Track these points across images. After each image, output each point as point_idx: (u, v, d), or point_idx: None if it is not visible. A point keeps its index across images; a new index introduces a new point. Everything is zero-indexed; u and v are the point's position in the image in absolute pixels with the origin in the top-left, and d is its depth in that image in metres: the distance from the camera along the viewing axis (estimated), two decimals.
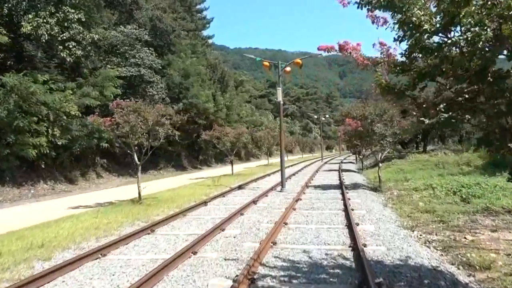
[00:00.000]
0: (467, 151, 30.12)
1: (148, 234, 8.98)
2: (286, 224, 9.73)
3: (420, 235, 9.19)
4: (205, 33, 59.65)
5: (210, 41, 56.87)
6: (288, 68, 17.38)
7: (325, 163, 45.86)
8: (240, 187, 18.97)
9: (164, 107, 14.54)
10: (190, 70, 35.86)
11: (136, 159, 14.10)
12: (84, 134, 22.03)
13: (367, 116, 16.23)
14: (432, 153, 34.62)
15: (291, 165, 39.94)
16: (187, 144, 41.59)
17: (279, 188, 17.74)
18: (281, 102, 17.75)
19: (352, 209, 11.73)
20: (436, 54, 4.16)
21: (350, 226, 9.11)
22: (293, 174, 26.70)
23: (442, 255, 7.62)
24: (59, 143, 20.28)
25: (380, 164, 17.77)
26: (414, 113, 4.43)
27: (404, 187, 18.23)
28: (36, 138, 18.80)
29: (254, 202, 13.52)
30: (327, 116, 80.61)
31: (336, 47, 5.13)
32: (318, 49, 5.42)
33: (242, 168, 39.08)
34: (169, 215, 11.16)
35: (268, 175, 26.78)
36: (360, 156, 30.90)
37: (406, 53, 4.46)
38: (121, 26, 28.11)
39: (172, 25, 34.94)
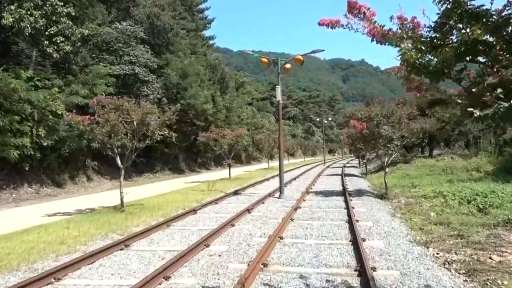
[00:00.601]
0: (475, 156, 28.79)
1: (121, 250, 7.73)
2: (281, 238, 8.46)
3: (437, 253, 7.90)
4: (206, 33, 58.72)
5: (211, 42, 55.82)
6: (288, 65, 16.14)
7: (328, 167, 44.57)
8: (235, 193, 17.71)
9: (151, 105, 13.07)
10: (188, 70, 34.66)
11: (119, 162, 12.85)
12: (74, 135, 20.81)
13: (373, 118, 14.96)
14: (438, 157, 33.28)
15: (292, 169, 38.68)
16: (185, 147, 40.40)
17: (277, 194, 16.48)
18: (280, 102, 16.52)
19: (357, 220, 10.47)
20: (484, 20, 2.91)
21: (355, 241, 7.84)
22: (294, 179, 25.42)
23: (466, 281, 6.34)
24: (45, 144, 19.09)
25: (387, 169, 16.47)
26: (459, 101, 3.09)
27: (412, 194, 16.95)
28: (18, 138, 17.60)
29: (249, 210, 12.26)
30: (329, 119, 79.32)
31: (342, 20, 3.85)
32: (320, 24, 4.14)
33: (242, 171, 37.84)
34: (150, 225, 9.91)
35: (267, 179, 25.51)
36: (363, 160, 29.64)
37: (437, 24, 3.21)
38: (116, 22, 26.96)
39: (170, 23, 33.78)
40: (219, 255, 7.18)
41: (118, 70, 24.96)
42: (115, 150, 12.57)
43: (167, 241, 8.52)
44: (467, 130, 37.88)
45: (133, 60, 25.60)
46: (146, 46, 27.74)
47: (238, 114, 51.43)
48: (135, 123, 12.65)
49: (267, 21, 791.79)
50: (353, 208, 12.59)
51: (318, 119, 74.89)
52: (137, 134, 12.91)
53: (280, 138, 16.83)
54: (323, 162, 52.92)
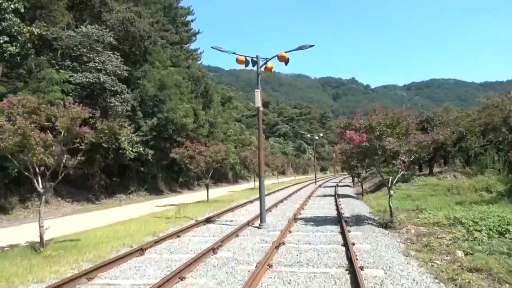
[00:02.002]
0: (481, 174, 26.00)
1: None
2: None
3: None
4: (192, 47, 56.08)
5: (197, 55, 52.93)
6: (270, 64, 13.24)
7: (319, 186, 41.51)
8: (208, 221, 14.53)
9: (81, 109, 9.96)
10: (166, 81, 31.70)
11: (38, 185, 9.62)
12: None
13: (374, 127, 12.07)
14: (440, 175, 30.47)
15: (281, 189, 35.54)
16: (165, 165, 37.14)
17: (258, 222, 13.32)
18: (260, 108, 13.55)
19: (362, 267, 7.39)
20: None
21: None
22: (281, 201, 22.30)
23: None
24: None
25: (392, 192, 13.46)
26: None
27: (421, 221, 13.98)
28: None
29: (214, 249, 9.10)
30: (321, 135, 76.63)
31: None
32: None
33: (226, 192, 34.64)
34: (62, 279, 6.72)
35: (251, 201, 22.35)
36: (359, 179, 26.67)
37: None
38: (81, 26, 24.02)
39: (146, 30, 30.96)
40: None
41: (80, 78, 21.90)
42: (31, 169, 9.31)
43: None
44: (468, 146, 35.19)
45: (99, 67, 22.58)
46: (116, 53, 24.77)
47: (224, 130, 48.42)
48: (63, 133, 9.46)
49: (257, 38, 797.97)
50: (354, 244, 9.52)
51: (309, 135, 72.05)
52: (64, 148, 9.68)
53: (260, 153, 13.77)
54: (314, 181, 49.85)
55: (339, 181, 53.93)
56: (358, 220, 14.13)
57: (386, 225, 12.88)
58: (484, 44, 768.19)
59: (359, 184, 40.25)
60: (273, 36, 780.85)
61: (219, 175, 51.96)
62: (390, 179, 13.47)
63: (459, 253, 9.09)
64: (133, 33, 29.66)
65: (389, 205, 13.23)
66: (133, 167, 31.31)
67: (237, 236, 11.20)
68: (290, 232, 11.71)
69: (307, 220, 14.21)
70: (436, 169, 38.02)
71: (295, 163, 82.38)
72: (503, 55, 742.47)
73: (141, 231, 12.03)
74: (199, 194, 30.79)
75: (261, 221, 12.90)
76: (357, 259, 8.03)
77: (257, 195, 26.97)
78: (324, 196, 26.63)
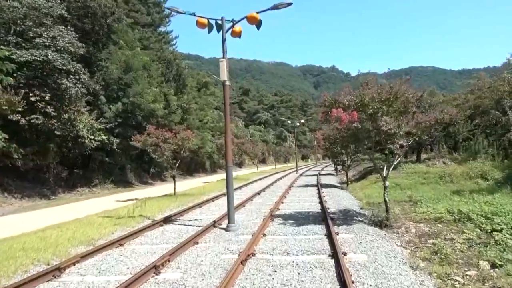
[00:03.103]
0: (473, 159, 24.20)
1: None
2: None
3: None
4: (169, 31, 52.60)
5: (169, 36, 49.45)
6: (238, 27, 10.68)
7: (301, 175, 39.32)
8: (167, 221, 12.04)
9: None
10: (132, 62, 28.76)
11: None
12: None
13: (367, 104, 9.74)
14: (428, 162, 28.63)
15: (260, 179, 33.21)
16: (135, 155, 34.31)
17: (226, 222, 10.90)
18: (227, 83, 11.02)
19: None
20: None
21: None
22: (258, 193, 19.95)
23: None
24: None
25: (387, 183, 11.19)
26: None
27: (420, 216, 11.90)
28: None
29: (158, 268, 6.65)
30: (302, 121, 74.49)
31: None
32: None
33: (201, 183, 32.10)
34: None
35: (225, 194, 19.88)
36: (344, 167, 24.50)
37: None
38: None
39: (109, 5, 27.87)
40: None
41: (25, 56, 18.89)
42: None
43: None
44: (455, 130, 33.40)
45: (47, 43, 19.58)
46: (69, 28, 21.71)
47: (199, 117, 45.63)
48: None
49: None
50: (345, 254, 7.23)
51: (289, 122, 69.70)
52: None
53: (227, 136, 11.23)
54: (296, 169, 47.69)
55: (321, 169, 51.98)
56: (347, 217, 11.87)
57: (380, 223, 10.64)
58: (461, 32, 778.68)
59: (343, 172, 38.28)
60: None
61: (196, 164, 49.35)
62: (385, 167, 11.22)
63: (484, 265, 6.90)
64: (93, 8, 26.55)
65: (384, 199, 10.98)
66: (97, 158, 28.44)
67: (196, 243, 8.75)
68: (264, 235, 9.34)
69: (286, 218, 11.87)
70: (423, 156, 36.30)
71: (275, 151, 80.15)
72: (480, 43, 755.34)
73: (76, 238, 9.46)
74: (171, 186, 28.17)
75: (229, 222, 10.47)
76: (352, 281, 5.71)
77: (235, 186, 24.65)
78: (306, 186, 24.39)
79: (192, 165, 47.98)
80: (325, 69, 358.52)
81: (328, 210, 13.07)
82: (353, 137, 10.63)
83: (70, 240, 9.30)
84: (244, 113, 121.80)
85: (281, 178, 33.35)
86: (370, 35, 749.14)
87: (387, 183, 11.03)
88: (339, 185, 25.94)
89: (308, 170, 53.85)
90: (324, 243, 8.39)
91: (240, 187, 24.59)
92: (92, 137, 25.67)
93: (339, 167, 35.53)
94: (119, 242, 8.96)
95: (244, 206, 15.19)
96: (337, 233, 9.17)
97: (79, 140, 24.07)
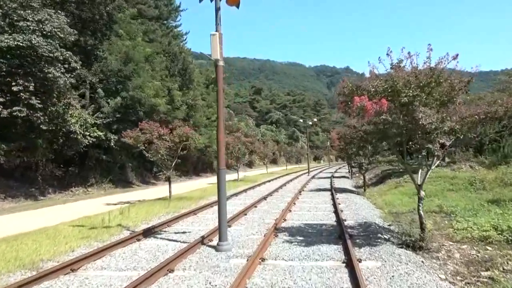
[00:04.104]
0: (505, 163, 21.69)
1: None
2: None
3: None
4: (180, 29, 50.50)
5: (178, 30, 47.31)
6: None
7: (313, 177, 36.92)
8: (148, 233, 9.87)
9: None
10: (133, 53, 26.77)
11: None
12: None
13: (400, 90, 7.45)
14: (453, 166, 26.04)
15: (269, 181, 30.96)
16: (137, 153, 32.22)
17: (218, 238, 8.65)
18: (220, 63, 8.79)
19: None
20: None
21: None
22: (265, 198, 17.73)
23: None
24: None
25: (422, 193, 8.85)
26: None
27: (460, 233, 9.69)
28: None
29: None
30: (315, 120, 71.82)
31: None
32: None
33: (205, 184, 30.01)
34: None
35: (227, 199, 17.73)
36: (361, 170, 22.05)
37: None
38: None
39: None
40: None
41: (7, 41, 16.96)
42: None
43: None
44: (482, 131, 30.59)
45: (33, 28, 17.65)
46: (60, 12, 19.75)
47: (207, 114, 43.53)
48: None
49: (252, 27, 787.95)
50: None
51: (301, 120, 67.12)
52: None
53: (220, 128, 8.91)
54: (307, 171, 45.29)
55: (335, 171, 49.46)
56: (369, 233, 9.55)
57: (413, 245, 8.32)
58: (478, 33, 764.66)
59: (358, 175, 35.78)
60: (266, 24, 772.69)
61: (203, 164, 47.30)
62: (419, 173, 8.90)
63: None
64: None
65: (419, 213, 8.66)
66: (93, 155, 26.52)
67: (171, 271, 6.53)
68: (263, 260, 7.10)
69: (293, 233, 9.61)
70: (445, 159, 33.59)
71: (287, 152, 77.67)
72: (498, 45, 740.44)
73: (21, 259, 7.35)
74: (177, 186, 26.07)
75: (220, 239, 8.24)
76: None
77: (237, 190, 22.42)
78: (318, 190, 22.05)
79: (199, 164, 45.96)
80: (339, 70, 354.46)
81: (345, 223, 10.78)
82: (380, 134, 8.31)
83: (12, 261, 7.19)
84: (256, 113, 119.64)
85: (291, 181, 31.04)
86: (385, 36, 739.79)
87: (422, 193, 8.73)
88: (354, 189, 23.53)
89: (320, 172, 51.37)
90: (343, 277, 6.11)
91: (246, 190, 22.40)
92: (88, 133, 23.76)
93: (354, 170, 33.07)
94: (72, 266, 6.81)
95: (245, 214, 12.98)
96: (360, 260, 6.90)
97: (72, 136, 22.13)
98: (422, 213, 8.54)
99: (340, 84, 8.76)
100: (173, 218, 12.01)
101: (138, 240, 9.18)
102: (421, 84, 7.52)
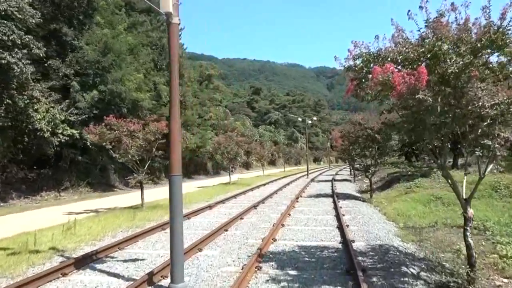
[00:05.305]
0: None
1: None
2: None
3: None
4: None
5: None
6: None
7: (312, 180, 34.19)
8: (82, 262, 7.18)
9: None
10: (113, 43, 24.09)
11: None
12: None
13: (444, 53, 4.82)
14: (469, 169, 23.18)
15: (263, 184, 28.25)
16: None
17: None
18: (174, 21, 6.07)
19: None
20: None
21: None
22: (255, 206, 15.03)
23: None
24: None
25: (469, 212, 6.21)
26: None
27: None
28: None
29: None
30: (314, 118, 69.02)
31: None
32: None
33: (194, 187, 27.30)
34: None
35: (210, 207, 15.08)
36: (367, 173, 19.32)
37: None
38: None
39: None
40: None
41: None
42: None
43: None
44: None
45: None
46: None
47: (200, 113, 40.84)
48: None
49: (252, 29, 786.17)
50: None
51: (300, 119, 64.33)
52: None
53: (174, 114, 6.07)
54: (306, 173, 42.57)
55: (335, 174, 46.74)
56: (389, 265, 6.85)
57: None
58: None
59: (361, 178, 33.04)
60: (266, 25, 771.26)
61: (195, 166, 44.59)
62: (464, 182, 6.28)
63: None
64: None
65: (466, 243, 5.94)
66: (67, 156, 23.82)
67: None
68: None
69: (283, 265, 6.92)
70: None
71: (286, 153, 74.86)
72: None
73: None
74: (157, 192, 23.41)
75: (172, 280, 5.54)
76: None
77: (226, 195, 19.70)
78: (318, 196, 19.34)
79: (191, 166, 43.23)
80: (339, 71, 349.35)
81: (354, 245, 8.12)
82: (414, 122, 5.58)
83: None
84: (254, 113, 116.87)
85: (288, 184, 28.32)
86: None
87: (470, 211, 6.08)
88: (359, 195, 20.83)
89: (320, 174, 48.61)
90: None
91: (235, 196, 19.72)
92: (59, 131, 21.09)
93: (357, 172, 30.37)
94: None
95: (226, 230, 10.27)
96: None
97: (38, 134, 19.47)
98: (471, 241, 5.85)
99: (350, 51, 6.07)
100: (132, 236, 9.32)
101: (64, 274, 6.49)
102: (478, 45, 4.83)
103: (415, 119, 5.37)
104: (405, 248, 8.22)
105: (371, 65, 5.77)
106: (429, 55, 5.01)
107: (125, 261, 7.40)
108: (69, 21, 24.51)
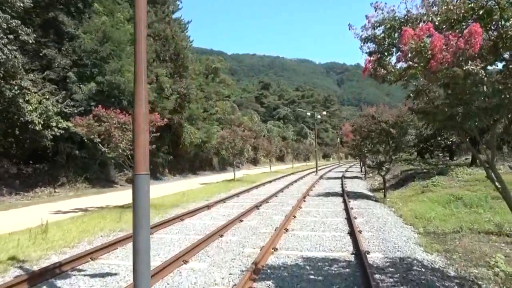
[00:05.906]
0: None
1: None
2: None
3: None
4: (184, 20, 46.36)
5: (177, 17, 43.24)
6: None
7: (321, 177, 32.78)
8: (42, 278, 5.95)
9: None
10: (111, 32, 22.89)
11: None
12: None
13: (503, 10, 3.53)
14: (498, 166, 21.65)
15: (270, 181, 26.95)
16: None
17: None
18: None
19: None
20: None
21: None
22: (257, 207, 13.73)
23: None
24: None
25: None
26: None
27: None
28: None
29: None
30: (324, 113, 67.26)
31: None
32: None
33: (197, 184, 26.12)
34: None
35: (208, 207, 13.82)
36: (381, 171, 17.82)
37: None
38: None
39: None
40: None
41: None
42: None
43: None
44: None
45: None
46: None
47: (205, 107, 39.58)
48: None
49: (262, 24, 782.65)
50: None
51: (309, 114, 62.68)
52: None
53: (139, 90, 4.74)
54: (315, 170, 41.11)
55: (345, 170, 45.22)
56: (415, 286, 5.49)
57: None
58: None
59: (372, 175, 31.61)
60: (276, 21, 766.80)
61: (201, 161, 43.41)
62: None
63: None
64: None
65: None
66: (64, 150, 22.75)
67: None
68: None
69: (282, 285, 5.60)
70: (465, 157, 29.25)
71: (294, 149, 73.38)
72: None
73: None
74: (159, 188, 22.28)
75: None
76: None
77: (229, 193, 18.45)
78: (327, 195, 17.97)
79: (196, 162, 42.08)
80: (349, 67, 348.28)
81: (369, 258, 6.78)
82: (457, 106, 4.20)
83: None
84: (263, 108, 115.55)
85: (296, 181, 26.98)
86: None
87: None
88: (370, 194, 19.41)
89: (329, 171, 47.14)
90: None
91: (238, 194, 18.45)
92: (53, 124, 20.00)
93: (369, 169, 28.89)
94: None
95: (221, 236, 8.98)
96: None
97: (30, 127, 18.39)
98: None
99: (368, 18, 4.70)
100: (112, 242, 8.08)
101: None
102: None
103: (458, 101, 3.99)
104: (431, 262, 6.84)
105: (396, 34, 4.44)
106: (480, 12, 3.62)
107: (92, 276, 6.15)
108: (67, 9, 23.37)
